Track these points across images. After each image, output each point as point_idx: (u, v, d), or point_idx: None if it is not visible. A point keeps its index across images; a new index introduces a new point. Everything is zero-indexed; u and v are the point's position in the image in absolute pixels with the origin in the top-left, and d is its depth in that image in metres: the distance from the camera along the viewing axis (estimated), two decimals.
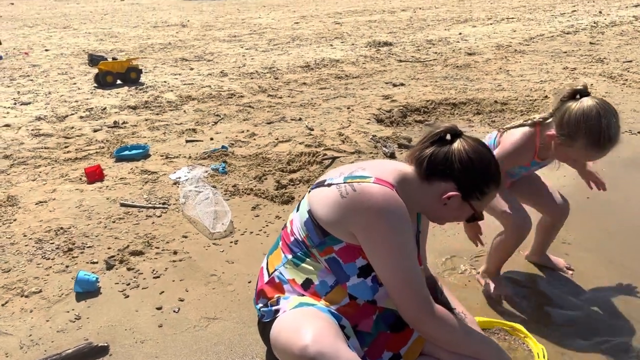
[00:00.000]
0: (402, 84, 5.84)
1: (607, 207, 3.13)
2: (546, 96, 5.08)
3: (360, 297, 1.59)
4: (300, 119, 4.63)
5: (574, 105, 1.88)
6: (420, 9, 14.52)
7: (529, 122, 2.08)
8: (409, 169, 1.64)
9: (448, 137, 1.60)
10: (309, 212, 1.61)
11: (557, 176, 3.51)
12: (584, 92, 1.91)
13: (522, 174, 2.29)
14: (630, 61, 6.53)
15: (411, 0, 17.65)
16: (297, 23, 12.39)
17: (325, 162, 3.61)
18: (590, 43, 7.82)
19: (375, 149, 3.92)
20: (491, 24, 10.58)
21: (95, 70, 6.21)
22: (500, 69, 6.35)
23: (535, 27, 9.64)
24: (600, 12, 11.39)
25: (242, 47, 8.95)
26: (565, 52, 7.19)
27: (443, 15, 12.44)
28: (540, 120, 2.04)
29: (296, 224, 1.66)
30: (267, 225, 2.84)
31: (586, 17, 10.77)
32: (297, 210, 1.69)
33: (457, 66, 6.64)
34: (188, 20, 13.99)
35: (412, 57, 7.42)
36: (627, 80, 5.65)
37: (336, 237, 1.56)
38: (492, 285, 2.34)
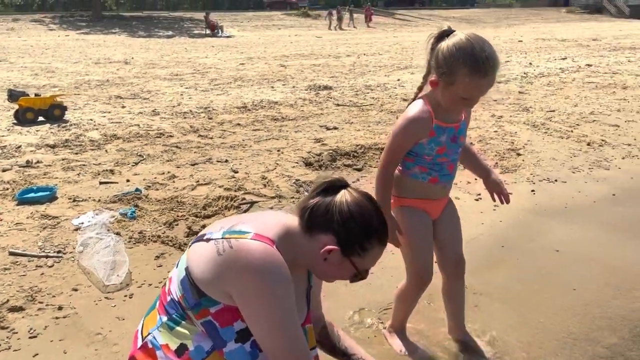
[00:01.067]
0: (335, 128, 5.85)
1: (522, 255, 3.14)
2: (472, 143, 5.18)
3: None
4: (226, 161, 4.51)
5: (444, 43, 1.83)
6: (364, 54, 14.92)
7: (414, 95, 2.03)
8: (294, 221, 1.55)
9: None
10: (186, 269, 1.47)
11: (475, 224, 3.53)
12: (449, 31, 1.87)
13: (438, 152, 1.98)
14: (553, 111, 6.83)
15: (357, 47, 18.16)
16: (242, 64, 12.43)
17: (243, 206, 3.49)
18: (519, 92, 8.17)
19: (297, 193, 3.84)
20: None
21: (16, 106, 5.92)
22: None
23: None
24: (530, 64, 12.02)
25: (181, 86, 8.83)
26: (496, 101, 7.46)
27: (385, 62, 12.80)
28: (420, 86, 2.00)
29: (174, 283, 1.52)
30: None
31: (518, 67, 11.32)
32: (177, 266, 1.56)
33: (392, 111, 6.74)
34: (132, 58, 13.80)
35: (350, 101, 7.51)
36: (548, 129, 5.87)
37: (213, 298, 1.43)
38: (396, 342, 2.25)
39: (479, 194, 3.97)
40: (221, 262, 1.40)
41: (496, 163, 4.72)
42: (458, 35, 1.82)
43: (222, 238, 1.44)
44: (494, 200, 2.22)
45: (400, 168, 2.04)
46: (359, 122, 6.13)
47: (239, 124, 6.01)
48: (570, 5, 56.22)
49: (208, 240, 1.47)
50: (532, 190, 4.14)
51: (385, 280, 2.78)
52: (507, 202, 2.20)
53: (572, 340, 2.36)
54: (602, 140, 5.60)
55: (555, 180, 4.37)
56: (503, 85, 8.81)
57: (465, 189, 4.09)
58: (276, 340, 1.40)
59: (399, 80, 9.53)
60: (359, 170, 4.52)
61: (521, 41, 19.93)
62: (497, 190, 2.19)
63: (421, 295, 2.21)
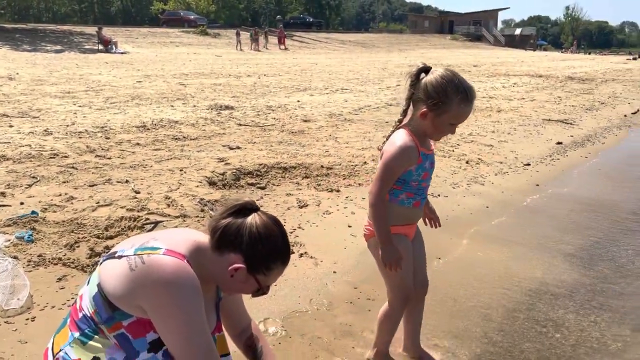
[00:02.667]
0: (238, 147, 5.98)
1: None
2: (365, 162, 5.58)
3: None
4: (127, 181, 4.48)
5: (430, 77, 2.03)
6: (265, 75, 15.19)
7: (394, 127, 2.19)
8: (204, 238, 1.68)
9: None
10: (99, 285, 1.55)
11: None
12: (427, 68, 2.07)
13: (422, 178, 2.17)
14: None
15: (257, 67, 18.42)
16: (139, 82, 12.15)
17: (147, 226, 3.52)
18: None
19: (202, 212, 3.93)
20: (327, 93, 11.44)
21: None
22: (330, 135, 6.86)
23: (364, 98, 10.64)
24: None
25: (74, 104, 8.48)
26: (387, 122, 8.01)
27: (285, 83, 13.15)
28: (400, 119, 2.16)
29: (85, 299, 1.59)
30: (72, 298, 2.66)
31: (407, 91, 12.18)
32: (88, 284, 1.63)
33: (292, 132, 7.01)
34: (17, 73, 12.93)
35: (252, 121, 7.69)
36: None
37: (126, 311, 1.52)
38: None
39: None
40: (134, 278, 1.51)
41: None
42: (440, 70, 2.04)
43: (134, 255, 1.55)
44: (425, 224, 2.43)
45: (388, 197, 2.14)
46: (261, 141, 6.32)
47: (138, 144, 5.94)
48: (454, 33, 61.00)
49: (120, 257, 1.57)
50: None
51: (288, 291, 2.98)
52: (439, 225, 2.44)
53: (446, 333, 2.70)
54: (479, 159, 6.27)
55: (439, 195, 4.85)
56: (394, 108, 9.47)
57: (360, 205, 4.42)
58: (187, 349, 1.52)
59: (299, 101, 9.88)
60: (262, 188, 4.69)
61: (411, 66, 21.30)
62: (429, 217, 2.41)
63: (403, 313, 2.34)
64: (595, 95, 13.31)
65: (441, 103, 2.00)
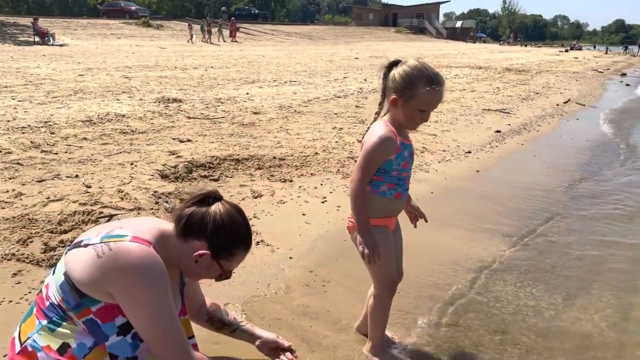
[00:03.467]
0: (189, 140, 5.98)
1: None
2: (317, 153, 5.72)
3: (121, 354, 1.61)
4: (77, 176, 4.43)
5: (399, 68, 2.12)
6: (212, 67, 15.04)
7: (373, 120, 2.25)
8: (169, 226, 1.75)
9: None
10: (65, 274, 1.60)
11: (323, 222, 3.99)
12: (397, 61, 2.16)
13: (402, 167, 2.21)
14: None
15: (204, 59, 18.17)
16: (81, 75, 11.78)
17: (102, 220, 3.52)
18: (356, 106, 9.05)
19: (156, 205, 3.95)
20: (276, 86, 11.50)
21: None
22: (281, 127, 6.95)
23: (313, 91, 10.78)
24: (365, 80, 13.25)
25: (13, 99, 8.16)
26: (336, 114, 8.19)
27: (233, 76, 13.09)
28: (377, 112, 2.23)
29: (52, 288, 1.63)
30: (30, 292, 2.66)
31: (354, 83, 12.42)
32: (53, 273, 1.67)
33: (243, 124, 7.06)
34: None
35: (201, 114, 7.66)
36: None
37: (94, 297, 1.57)
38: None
39: (325, 197, 4.47)
40: (101, 264, 1.57)
41: (338, 170, 5.29)
42: (408, 61, 2.13)
43: (101, 242, 1.61)
44: (412, 223, 2.50)
45: (369, 188, 2.19)
46: (212, 134, 6.34)
47: (85, 138, 5.83)
48: (398, 26, 62.06)
49: (86, 245, 1.63)
50: None
51: (246, 277, 3.08)
52: (426, 220, 2.50)
53: (403, 313, 2.89)
54: (424, 148, 6.55)
55: None
56: (342, 100, 9.66)
57: (313, 194, 4.56)
58: (156, 331, 1.60)
59: (248, 94, 9.89)
60: (215, 180, 4.75)
61: (357, 58, 21.66)
62: (419, 213, 2.48)
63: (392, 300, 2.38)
64: (531, 86, 14.01)
65: (407, 89, 2.08)
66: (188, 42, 29.66)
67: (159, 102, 8.44)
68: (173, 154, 5.31)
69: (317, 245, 3.60)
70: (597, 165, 6.53)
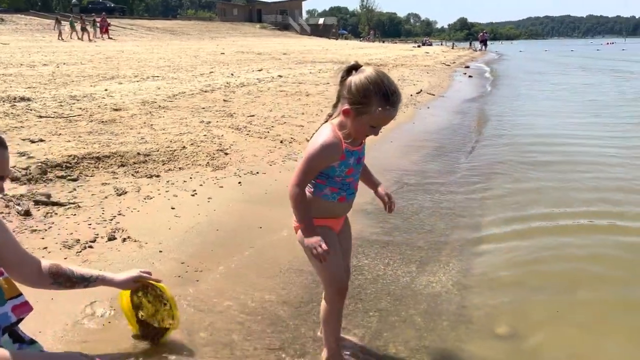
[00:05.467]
0: (42, 140, 5.55)
1: (235, 235, 3.73)
2: (184, 147, 5.65)
3: None
4: None
5: (356, 77, 2.02)
6: (64, 64, 13.95)
7: (324, 120, 2.18)
8: None
9: None
10: None
11: (194, 214, 3.98)
12: (357, 66, 2.07)
13: (347, 174, 2.18)
14: (253, 115, 7.84)
15: (55, 55, 16.78)
16: None
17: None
18: (224, 100, 9.02)
19: (7, 208, 3.65)
20: (137, 81, 11.02)
21: None
22: (145, 123, 6.72)
23: (178, 85, 10.52)
24: (232, 74, 13.22)
25: None
26: (204, 108, 8.11)
27: (89, 72, 12.29)
28: (330, 113, 2.17)
29: None
30: None
31: (221, 78, 12.33)
32: None
33: (103, 121, 6.70)
34: None
35: (55, 112, 7.11)
36: (250, 131, 6.78)
37: None
38: None
39: (194, 190, 4.45)
40: None
41: (208, 162, 5.28)
42: (368, 70, 2.03)
43: None
44: (385, 209, 2.46)
45: (312, 190, 2.16)
46: (68, 133, 5.93)
47: None
48: (262, 22, 62.36)
49: None
50: (239, 182, 4.82)
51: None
52: (391, 210, 2.45)
53: (278, 286, 3.02)
54: (292, 138, 6.76)
55: (257, 173, 5.17)
56: (209, 94, 9.57)
57: (182, 188, 4.52)
58: None
59: (106, 90, 9.37)
60: (74, 180, 4.48)
61: (223, 54, 21.45)
62: (384, 200, 2.45)
63: (344, 301, 2.35)
64: None
65: (361, 104, 2.00)
66: (58, 38, 27.24)
67: (3, 101, 7.67)
68: (23, 155, 4.90)
69: (188, 238, 3.60)
70: (445, 147, 7.27)
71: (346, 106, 2.04)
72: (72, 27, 29.65)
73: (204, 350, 2.43)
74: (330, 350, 2.37)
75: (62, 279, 2.13)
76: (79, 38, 28.77)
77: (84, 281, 2.21)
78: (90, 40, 28.84)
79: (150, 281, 2.40)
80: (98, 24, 32.20)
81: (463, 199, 4.94)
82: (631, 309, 2.99)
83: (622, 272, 3.46)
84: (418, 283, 3.26)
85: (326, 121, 2.17)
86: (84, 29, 29.49)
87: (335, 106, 2.14)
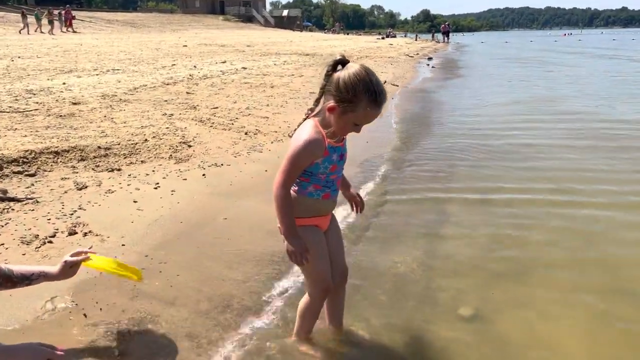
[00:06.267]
0: None
1: (198, 227, 3.70)
2: (146, 139, 5.55)
3: None
4: None
5: (344, 73, 1.96)
6: (19, 57, 13.48)
7: (305, 115, 2.13)
8: None
9: None
10: None
11: (157, 207, 3.92)
12: (344, 61, 2.01)
13: (330, 170, 2.16)
14: (217, 107, 7.76)
15: (8, 49, 16.19)
16: None
17: None
18: (187, 93, 8.89)
19: None
20: (97, 74, 10.73)
21: None
22: (105, 117, 6.56)
23: (140, 78, 10.30)
24: (195, 67, 13.03)
25: None
26: (166, 101, 7.97)
27: (46, 65, 11.90)
28: (312, 108, 2.11)
29: None
30: None
31: (184, 70, 12.13)
32: None
33: (61, 115, 6.51)
34: None
35: (10, 107, 6.87)
36: (213, 123, 6.71)
37: None
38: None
39: (157, 183, 4.39)
40: None
41: (171, 155, 5.21)
42: (356, 67, 1.96)
43: None
44: (352, 210, 2.47)
45: (296, 188, 2.13)
46: (24, 127, 5.74)
47: None
48: (225, 14, 61.55)
49: None
50: (203, 174, 4.77)
51: None
52: (361, 210, 2.47)
53: (229, 262, 3.02)
54: (257, 130, 6.73)
55: (222, 164, 5.13)
56: (171, 87, 9.41)
57: (144, 181, 4.44)
58: None
59: (64, 84, 9.10)
60: (32, 175, 4.35)
61: (186, 46, 21.10)
62: (355, 201, 2.45)
63: (323, 304, 2.37)
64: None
65: (348, 102, 1.96)
66: (20, 32, 26.24)
67: None
68: None
69: (151, 230, 3.55)
70: (408, 135, 7.37)
71: (332, 103, 1.99)
72: (38, 20, 28.60)
73: (167, 341, 2.42)
74: (300, 340, 2.42)
75: (2, 279, 2.07)
76: (50, 32, 27.75)
77: (25, 280, 2.16)
78: (54, 33, 27.87)
79: (85, 256, 2.35)
80: (63, 17, 31.13)
81: (424, 186, 5.02)
82: (588, 290, 3.10)
83: (579, 255, 3.59)
84: (382, 264, 3.32)
85: (307, 116, 2.12)
86: (51, 22, 28.49)
87: (317, 101, 2.08)
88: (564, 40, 63.19)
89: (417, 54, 27.05)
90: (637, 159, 5.98)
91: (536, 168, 5.64)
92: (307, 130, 2.05)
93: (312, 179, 2.13)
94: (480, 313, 2.83)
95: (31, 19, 29.28)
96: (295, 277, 3.08)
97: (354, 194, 2.44)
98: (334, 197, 2.23)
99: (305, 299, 2.34)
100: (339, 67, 2.01)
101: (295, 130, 2.13)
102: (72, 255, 2.33)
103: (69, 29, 30.92)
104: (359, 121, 2.01)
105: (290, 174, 2.06)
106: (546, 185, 5.03)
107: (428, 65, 20.84)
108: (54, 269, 2.30)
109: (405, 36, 67.07)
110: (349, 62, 2.02)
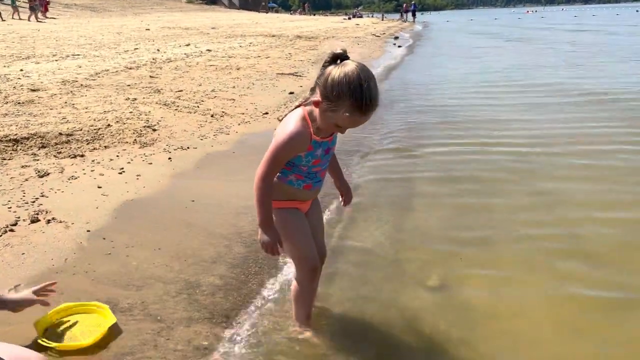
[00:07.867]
0: None
1: (165, 210, 3.66)
2: (109, 124, 5.43)
3: None
4: None
5: (336, 70, 1.86)
6: None
7: (297, 103, 2.07)
8: None
9: None
10: None
11: (123, 192, 3.86)
12: (344, 56, 1.91)
13: (313, 164, 2.11)
14: (182, 91, 7.63)
15: None
16: None
17: None
18: (150, 77, 8.70)
19: None
20: (56, 60, 10.40)
21: None
22: (66, 103, 6.39)
23: (101, 63, 10.03)
24: (158, 50, 12.74)
25: None
26: (129, 85, 7.79)
27: (2, 52, 11.46)
28: (307, 97, 2.03)
29: None
30: None
31: (147, 54, 11.86)
32: None
33: (19, 102, 6.30)
34: None
35: None
36: (178, 106, 6.61)
37: None
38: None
39: (122, 168, 4.31)
40: None
41: (135, 140, 5.11)
42: (350, 66, 1.85)
43: None
44: (341, 201, 2.45)
45: (278, 175, 2.09)
46: None
47: None
48: None
49: None
50: (169, 158, 4.71)
51: (38, 256, 2.87)
52: (348, 203, 2.44)
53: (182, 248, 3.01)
54: (223, 112, 6.65)
55: (188, 148, 5.07)
56: (134, 71, 9.20)
57: (108, 166, 4.36)
58: None
59: (22, 70, 8.80)
60: None
61: (149, 29, 20.59)
62: (344, 192, 2.42)
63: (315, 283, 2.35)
64: (319, 51, 14.98)
65: (331, 102, 1.87)
66: (13, 17, 25.18)
67: None
68: None
69: (117, 216, 3.49)
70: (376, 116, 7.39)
71: (317, 97, 1.93)
72: (14, 7, 27.41)
73: (137, 325, 2.40)
74: (301, 325, 2.40)
75: None
76: (34, 18, 26.58)
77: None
78: (37, 20, 26.72)
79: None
80: (38, 3, 29.79)
81: (394, 163, 5.08)
82: (552, 257, 3.19)
83: (545, 225, 3.69)
84: (350, 238, 3.35)
85: (300, 104, 2.07)
86: (32, 9, 27.29)
87: (312, 90, 2.00)
88: (528, 17, 64.06)
89: (384, 33, 27.04)
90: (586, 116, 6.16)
91: (493, 144, 5.76)
92: (294, 122, 2.00)
93: (293, 169, 2.10)
94: (446, 283, 2.90)
95: (4, 7, 28.08)
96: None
97: (342, 186, 2.41)
98: (316, 188, 2.20)
99: (294, 285, 2.32)
100: (338, 61, 1.91)
101: (285, 115, 2.09)
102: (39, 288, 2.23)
103: (46, 15, 29.68)
104: (340, 123, 1.93)
105: (273, 166, 2.04)
106: (505, 156, 5.15)
107: (394, 44, 20.87)
108: (16, 295, 2.15)
109: (371, 16, 66.85)
110: (348, 58, 1.92)
